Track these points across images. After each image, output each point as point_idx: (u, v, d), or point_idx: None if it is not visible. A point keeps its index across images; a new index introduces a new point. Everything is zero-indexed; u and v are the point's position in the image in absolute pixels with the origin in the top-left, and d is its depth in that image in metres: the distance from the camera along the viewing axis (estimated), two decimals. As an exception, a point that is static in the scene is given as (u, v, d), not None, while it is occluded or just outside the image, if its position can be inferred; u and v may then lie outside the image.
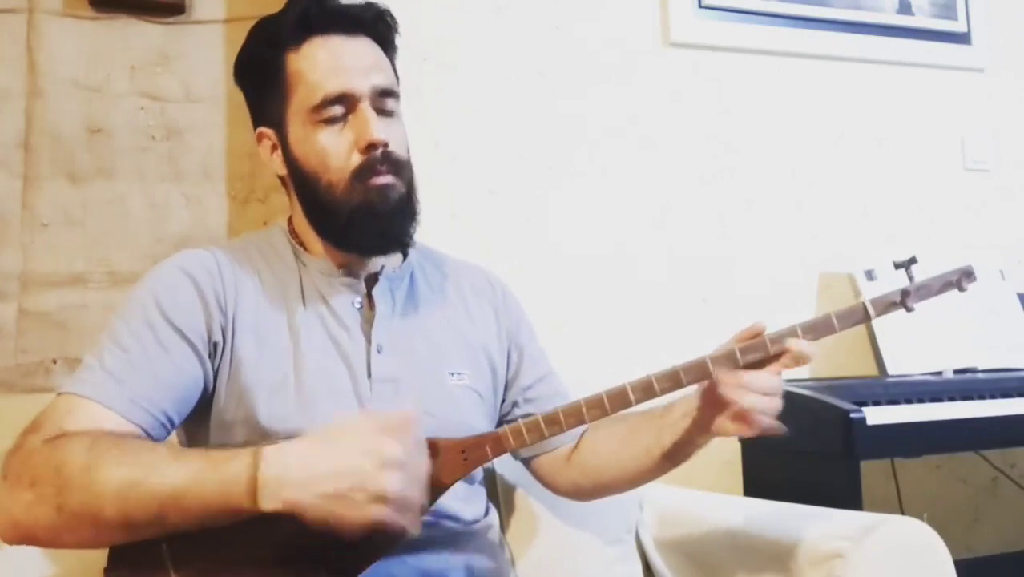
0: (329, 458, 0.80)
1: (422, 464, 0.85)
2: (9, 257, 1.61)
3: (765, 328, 0.94)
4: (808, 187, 2.02)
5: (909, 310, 0.93)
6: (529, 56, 1.83)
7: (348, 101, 0.98)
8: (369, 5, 1.03)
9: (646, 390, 0.93)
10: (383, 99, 1.01)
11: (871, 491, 1.57)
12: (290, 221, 1.10)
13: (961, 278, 0.94)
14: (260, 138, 1.05)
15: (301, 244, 1.07)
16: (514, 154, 1.80)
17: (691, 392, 0.98)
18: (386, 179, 0.99)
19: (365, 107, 0.98)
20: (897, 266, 0.94)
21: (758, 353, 0.92)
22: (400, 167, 1.01)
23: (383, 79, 1.01)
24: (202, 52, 1.73)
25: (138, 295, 0.97)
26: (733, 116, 1.97)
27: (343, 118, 0.98)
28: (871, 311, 0.92)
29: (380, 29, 1.03)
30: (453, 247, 1.25)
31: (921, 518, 1.04)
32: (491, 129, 1.79)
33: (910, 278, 0.93)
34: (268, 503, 0.79)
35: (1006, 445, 1.87)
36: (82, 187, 1.66)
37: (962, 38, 2.17)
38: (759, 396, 0.91)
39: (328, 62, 0.98)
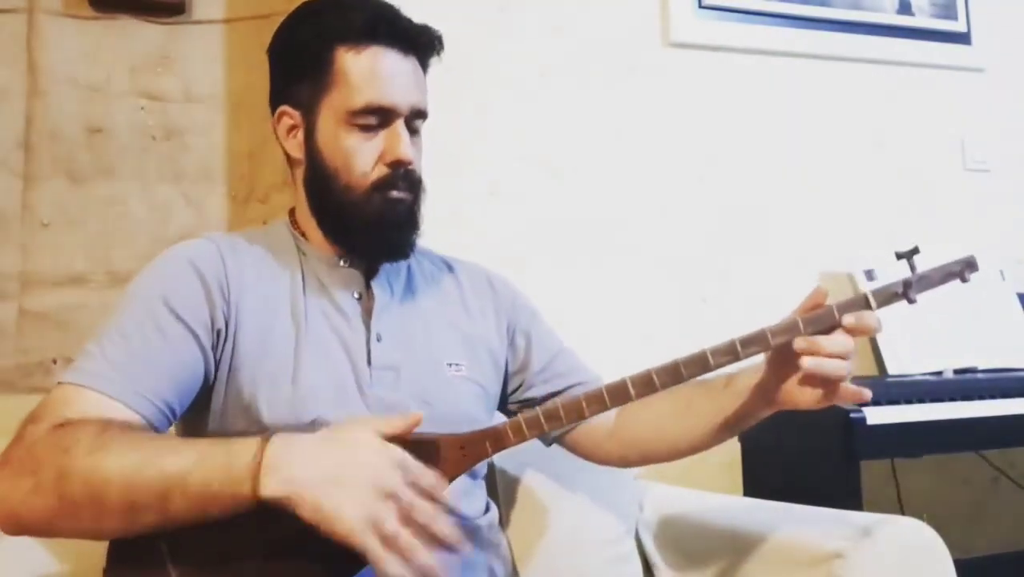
0: (338, 451, 0.81)
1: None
2: (9, 257, 1.61)
3: (827, 294, 0.93)
4: (808, 187, 2.02)
5: (911, 302, 0.92)
6: (530, 56, 1.83)
7: (387, 115, 1.02)
8: (427, 29, 1.06)
9: (664, 378, 0.92)
10: (415, 120, 1.05)
11: (871, 491, 1.57)
12: (292, 212, 1.12)
13: (964, 269, 0.92)
14: (280, 117, 1.06)
15: (302, 234, 1.09)
16: (515, 154, 1.80)
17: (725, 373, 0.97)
18: (401, 194, 1.03)
19: (400, 124, 1.02)
20: (899, 256, 0.92)
21: (822, 324, 0.90)
22: (415, 185, 1.05)
23: (421, 101, 1.05)
24: (202, 52, 1.73)
25: (141, 284, 0.98)
26: (733, 116, 1.97)
27: (376, 128, 1.02)
28: (872, 303, 0.92)
29: (428, 54, 1.07)
30: (454, 247, 1.25)
31: (921, 518, 1.04)
32: (492, 129, 1.79)
33: (912, 269, 0.92)
34: (269, 485, 0.78)
35: (1006, 445, 1.87)
36: (82, 187, 1.66)
37: (962, 38, 2.17)
38: (828, 359, 0.89)
39: (381, 73, 1.01)
